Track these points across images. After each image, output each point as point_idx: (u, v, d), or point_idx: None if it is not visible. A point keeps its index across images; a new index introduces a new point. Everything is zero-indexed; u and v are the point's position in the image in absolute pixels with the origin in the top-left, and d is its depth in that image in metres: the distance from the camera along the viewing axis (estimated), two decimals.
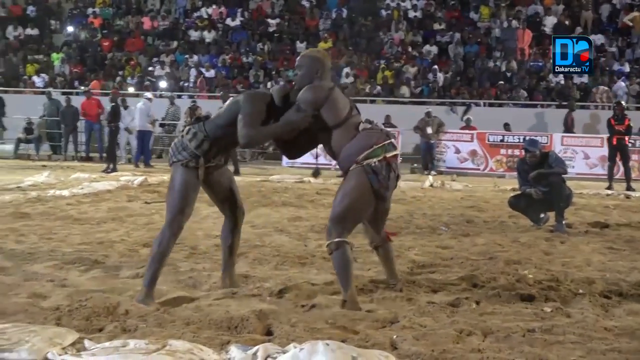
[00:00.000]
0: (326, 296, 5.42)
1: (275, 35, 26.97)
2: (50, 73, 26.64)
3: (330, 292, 5.55)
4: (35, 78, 26.03)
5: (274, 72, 24.93)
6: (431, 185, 15.32)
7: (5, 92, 24.63)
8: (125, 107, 19.98)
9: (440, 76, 23.51)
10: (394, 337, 4.42)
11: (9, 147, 22.56)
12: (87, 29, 28.40)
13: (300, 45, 25.92)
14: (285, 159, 20.24)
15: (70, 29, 28.99)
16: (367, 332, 4.53)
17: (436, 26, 25.89)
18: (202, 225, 8.99)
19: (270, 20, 27.65)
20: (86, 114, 21.55)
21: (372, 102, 23.03)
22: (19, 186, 13.17)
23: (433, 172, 18.71)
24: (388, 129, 19.62)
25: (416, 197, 13.28)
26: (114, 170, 17.63)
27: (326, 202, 11.89)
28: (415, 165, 20.31)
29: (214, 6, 28.63)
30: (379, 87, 23.59)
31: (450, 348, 4.20)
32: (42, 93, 24.07)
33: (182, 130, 5.38)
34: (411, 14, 26.77)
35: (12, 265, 6.40)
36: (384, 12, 27.00)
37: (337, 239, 5.06)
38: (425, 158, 19.82)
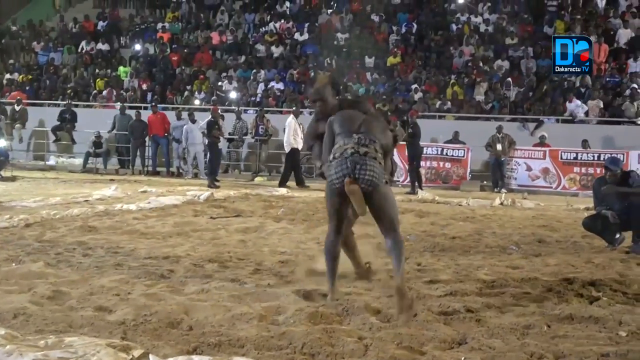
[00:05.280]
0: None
1: (344, 50, 26.83)
2: (114, 85, 26.81)
3: None
4: (105, 92, 26.36)
5: (341, 87, 24.78)
6: (501, 204, 15.02)
7: (76, 106, 24.96)
8: (193, 122, 20.53)
9: (512, 91, 23.05)
10: (462, 358, 4.35)
11: (78, 161, 22.86)
12: (157, 43, 28.70)
13: (368, 60, 25.75)
14: None
15: (138, 44, 29.33)
16: (434, 353, 4.44)
17: (508, 40, 25.45)
18: (267, 242, 9.11)
19: (339, 35, 27.50)
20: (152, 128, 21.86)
21: (441, 117, 22.69)
22: (87, 200, 13.25)
23: (503, 190, 18.36)
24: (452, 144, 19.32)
25: (485, 215, 13.02)
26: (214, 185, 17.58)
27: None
28: (485, 182, 19.95)
29: (282, 20, 28.70)
30: (449, 103, 23.22)
31: None
32: (113, 107, 24.38)
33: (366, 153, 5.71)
34: (482, 28, 26.41)
35: (80, 278, 6.48)
36: (454, 27, 26.67)
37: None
38: (495, 175, 19.43)
